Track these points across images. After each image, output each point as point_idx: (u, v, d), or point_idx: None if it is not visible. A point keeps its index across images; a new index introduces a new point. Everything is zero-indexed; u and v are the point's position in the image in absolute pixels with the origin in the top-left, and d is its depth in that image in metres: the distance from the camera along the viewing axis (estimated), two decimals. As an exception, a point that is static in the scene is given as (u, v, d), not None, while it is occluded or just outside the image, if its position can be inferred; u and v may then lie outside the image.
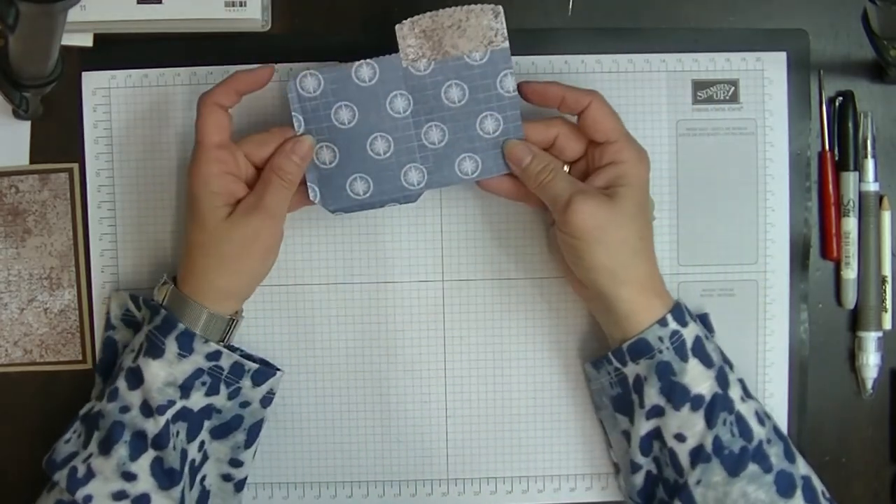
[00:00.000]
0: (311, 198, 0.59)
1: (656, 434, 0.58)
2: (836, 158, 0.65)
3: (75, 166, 0.65)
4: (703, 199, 0.64)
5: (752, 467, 0.56)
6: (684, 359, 0.56)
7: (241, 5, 0.62)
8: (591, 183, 0.58)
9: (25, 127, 0.64)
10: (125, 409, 0.56)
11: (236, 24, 0.63)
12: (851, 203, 0.65)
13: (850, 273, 0.65)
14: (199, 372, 0.57)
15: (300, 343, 0.65)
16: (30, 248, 0.65)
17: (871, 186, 0.65)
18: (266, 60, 0.64)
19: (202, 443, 0.59)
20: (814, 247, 0.65)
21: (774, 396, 0.65)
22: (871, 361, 0.65)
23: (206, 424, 0.59)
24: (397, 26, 0.57)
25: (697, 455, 0.56)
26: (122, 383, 0.57)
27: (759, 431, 0.57)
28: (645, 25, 0.65)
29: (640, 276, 0.57)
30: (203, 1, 0.62)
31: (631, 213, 0.57)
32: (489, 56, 0.57)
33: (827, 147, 0.65)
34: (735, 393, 0.57)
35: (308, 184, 0.59)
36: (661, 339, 0.56)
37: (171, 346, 0.56)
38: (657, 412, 0.57)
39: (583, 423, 0.65)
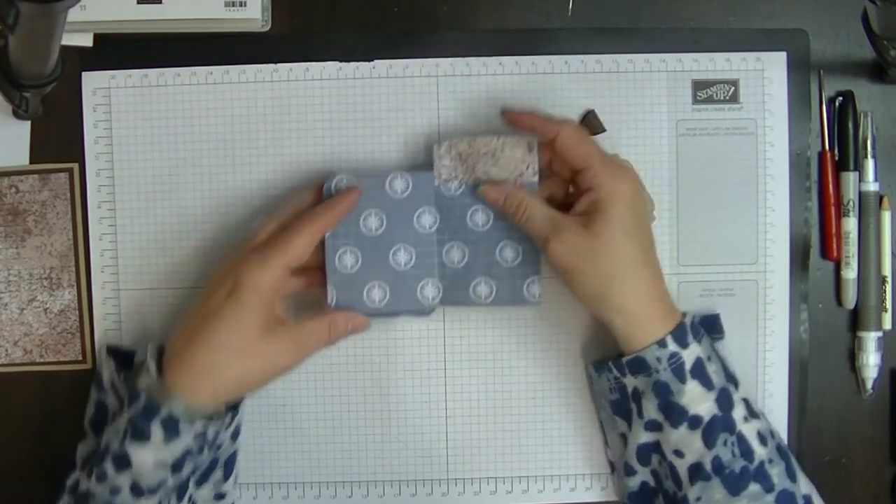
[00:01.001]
0: (329, 301, 0.59)
1: (655, 447, 0.58)
2: (836, 158, 0.65)
3: (75, 166, 0.64)
4: (703, 198, 0.64)
5: (754, 487, 0.55)
6: (682, 380, 0.56)
7: (241, 5, 0.62)
8: (574, 210, 0.57)
9: (25, 127, 0.64)
10: (115, 491, 0.54)
11: (236, 24, 0.63)
12: (851, 203, 0.65)
13: (850, 273, 0.65)
14: (188, 450, 0.55)
15: (300, 343, 0.65)
16: (30, 248, 0.65)
17: (871, 186, 0.65)
18: (266, 60, 0.64)
19: (190, 497, 0.58)
20: (814, 247, 0.65)
21: (774, 396, 0.65)
22: (871, 361, 0.65)
23: (191, 480, 0.58)
24: (435, 146, 0.60)
25: (696, 472, 0.56)
26: (109, 467, 0.55)
27: (760, 452, 0.56)
28: (645, 25, 0.65)
29: (632, 301, 0.56)
30: (203, 1, 0.62)
31: (613, 239, 0.56)
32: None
33: (827, 147, 0.65)
34: (738, 413, 0.56)
35: (328, 285, 0.59)
36: (658, 359, 0.56)
37: (157, 431, 0.54)
38: (655, 426, 0.57)
39: (583, 423, 0.65)
